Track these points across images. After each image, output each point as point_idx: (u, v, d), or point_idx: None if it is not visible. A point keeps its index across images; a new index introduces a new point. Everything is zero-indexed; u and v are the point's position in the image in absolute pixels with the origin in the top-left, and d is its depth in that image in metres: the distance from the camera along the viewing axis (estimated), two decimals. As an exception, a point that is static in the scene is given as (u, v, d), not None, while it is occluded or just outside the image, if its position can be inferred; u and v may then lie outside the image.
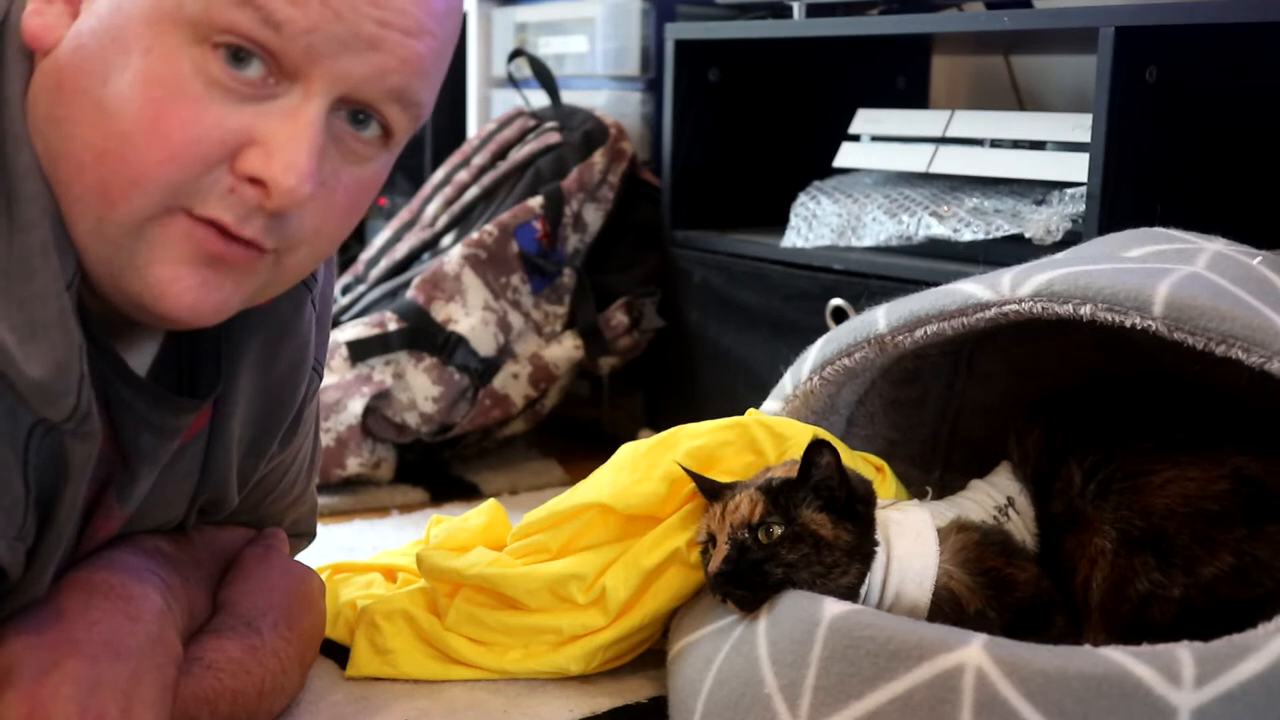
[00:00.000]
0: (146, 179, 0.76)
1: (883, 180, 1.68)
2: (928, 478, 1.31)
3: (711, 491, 1.07)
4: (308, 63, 0.76)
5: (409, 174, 2.27)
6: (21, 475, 0.77)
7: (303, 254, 0.84)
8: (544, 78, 2.03)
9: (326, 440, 1.64)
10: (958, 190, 1.56)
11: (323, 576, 1.13)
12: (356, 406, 1.66)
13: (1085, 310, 1.00)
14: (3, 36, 0.80)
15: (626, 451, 1.18)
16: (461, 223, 1.89)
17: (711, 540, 1.03)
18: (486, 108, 2.28)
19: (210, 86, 0.75)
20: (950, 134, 1.57)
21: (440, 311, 1.74)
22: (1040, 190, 1.47)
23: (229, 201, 0.77)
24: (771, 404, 1.25)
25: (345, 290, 1.90)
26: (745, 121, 1.89)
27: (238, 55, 0.76)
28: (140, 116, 0.75)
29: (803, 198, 1.70)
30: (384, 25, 0.77)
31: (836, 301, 1.57)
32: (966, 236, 1.46)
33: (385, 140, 0.83)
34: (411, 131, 0.85)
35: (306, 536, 1.22)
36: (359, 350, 1.70)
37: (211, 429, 0.94)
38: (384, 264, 1.89)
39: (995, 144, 1.53)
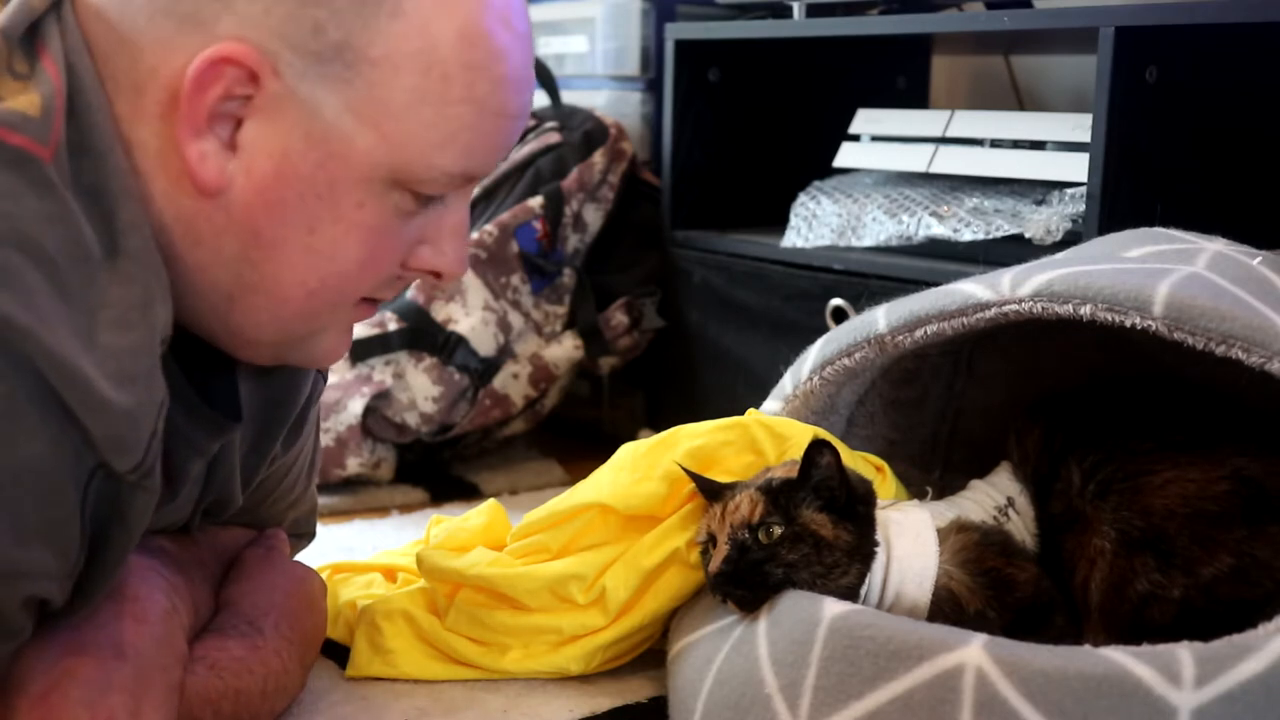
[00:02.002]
0: (353, 297, 0.90)
1: (883, 180, 1.67)
2: (928, 478, 1.31)
3: (711, 491, 1.07)
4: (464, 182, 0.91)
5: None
6: (79, 516, 0.78)
7: None
8: (544, 78, 2.02)
9: (326, 440, 1.64)
10: (958, 190, 1.56)
11: (323, 576, 1.13)
12: (356, 406, 1.66)
13: (1085, 310, 1.00)
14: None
15: (626, 451, 1.18)
16: (461, 223, 1.89)
17: (711, 540, 1.03)
18: (486, 108, 2.28)
19: (401, 215, 0.88)
20: (950, 134, 1.57)
21: (440, 311, 1.74)
22: (1040, 190, 1.47)
23: (395, 285, 0.93)
24: (771, 404, 1.25)
25: (345, 290, 1.90)
26: (745, 121, 1.89)
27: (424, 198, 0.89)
28: (360, 259, 0.87)
29: (803, 198, 1.70)
30: (511, 136, 0.90)
31: (836, 301, 1.57)
32: (966, 236, 1.46)
33: None
34: None
35: (306, 537, 1.22)
36: (359, 350, 1.70)
37: None
38: (384, 264, 1.89)
39: (995, 144, 1.53)
